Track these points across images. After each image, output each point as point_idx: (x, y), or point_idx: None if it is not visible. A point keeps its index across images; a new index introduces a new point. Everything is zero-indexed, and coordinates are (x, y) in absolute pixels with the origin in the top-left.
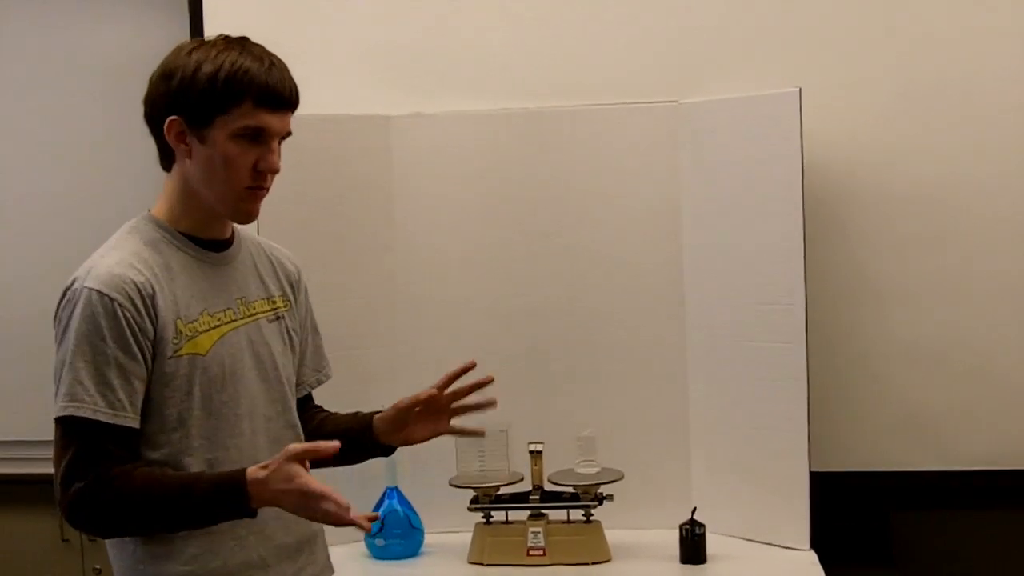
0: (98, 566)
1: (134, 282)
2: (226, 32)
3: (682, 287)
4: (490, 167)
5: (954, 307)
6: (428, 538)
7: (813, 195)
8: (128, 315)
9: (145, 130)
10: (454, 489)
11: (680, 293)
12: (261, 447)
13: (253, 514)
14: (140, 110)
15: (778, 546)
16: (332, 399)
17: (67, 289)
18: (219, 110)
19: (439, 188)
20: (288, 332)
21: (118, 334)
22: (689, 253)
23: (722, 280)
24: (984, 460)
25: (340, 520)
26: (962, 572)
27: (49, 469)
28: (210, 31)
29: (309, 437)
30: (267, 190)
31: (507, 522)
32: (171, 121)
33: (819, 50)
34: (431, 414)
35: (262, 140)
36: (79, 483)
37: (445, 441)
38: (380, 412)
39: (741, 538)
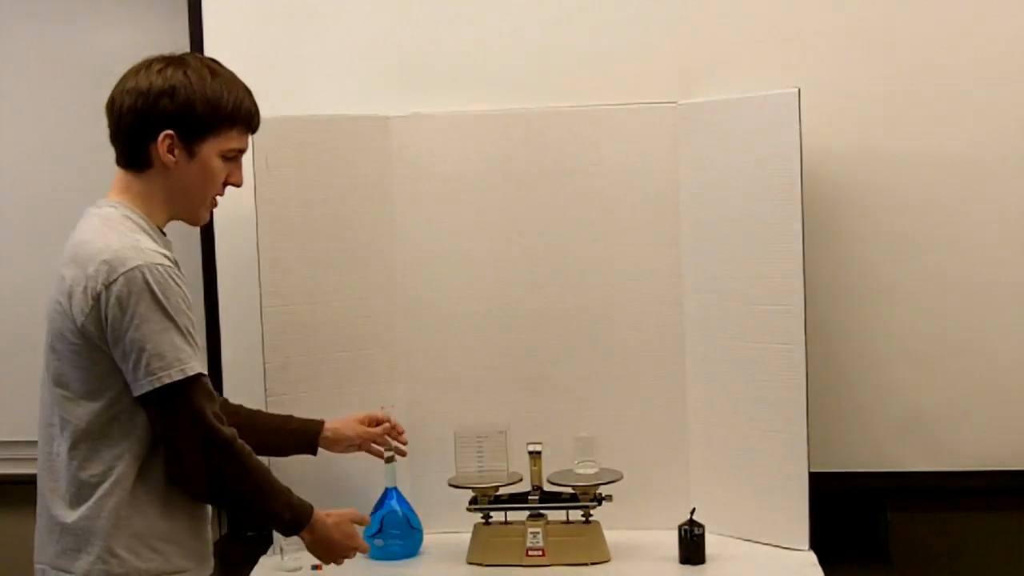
0: None
1: (168, 258)
2: (225, 32)
3: (681, 287)
4: (490, 167)
5: (953, 307)
6: (427, 538)
7: (812, 195)
8: (181, 283)
9: None
10: (453, 489)
11: (679, 293)
12: None
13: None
14: None
15: (777, 546)
16: (332, 399)
17: (115, 276)
18: (213, 133)
19: (439, 188)
20: None
21: (185, 298)
22: (688, 253)
23: (721, 280)
24: (983, 461)
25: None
26: (961, 573)
27: None
28: (210, 32)
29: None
30: None
31: (506, 522)
32: (166, 135)
33: (818, 50)
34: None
35: (235, 159)
36: (227, 429)
37: (444, 442)
38: (328, 427)
39: (740, 538)
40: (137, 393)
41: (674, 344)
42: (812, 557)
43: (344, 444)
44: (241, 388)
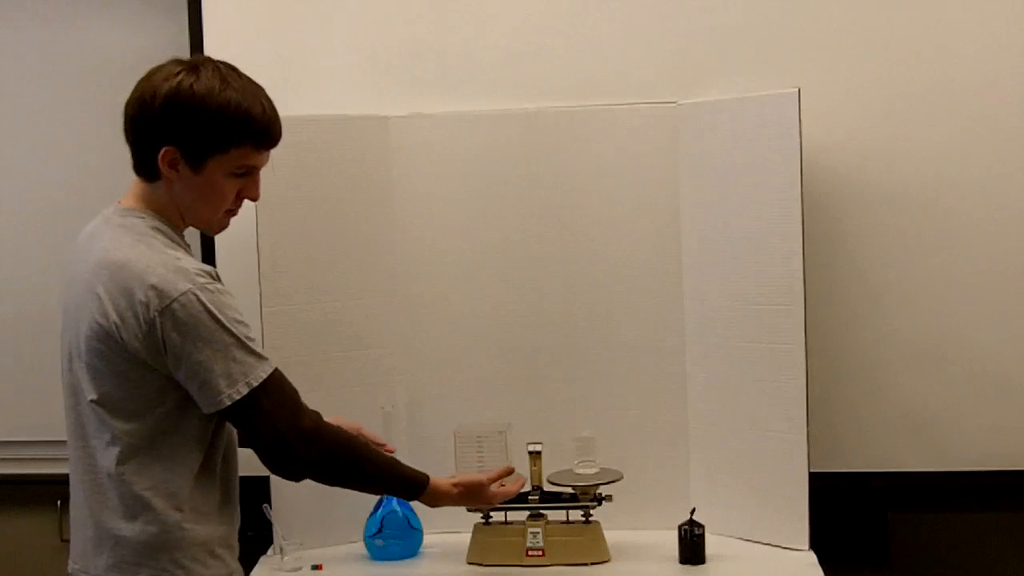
0: None
1: (208, 272)
2: (225, 32)
3: (681, 287)
4: (490, 167)
5: (953, 307)
6: (427, 538)
7: (812, 196)
8: (227, 292)
9: None
10: None
11: (679, 293)
12: None
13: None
14: None
15: (777, 546)
16: (333, 399)
17: (168, 302)
18: (220, 150)
19: (438, 188)
20: None
21: (236, 309)
22: (688, 253)
23: (721, 280)
24: (982, 461)
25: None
26: (960, 573)
27: (48, 469)
28: (210, 32)
29: None
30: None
31: (506, 522)
32: (167, 150)
33: (818, 51)
34: None
35: (249, 174)
36: (306, 423)
37: (444, 442)
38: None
39: (740, 538)
40: (207, 411)
41: (674, 344)
42: (812, 557)
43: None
44: None
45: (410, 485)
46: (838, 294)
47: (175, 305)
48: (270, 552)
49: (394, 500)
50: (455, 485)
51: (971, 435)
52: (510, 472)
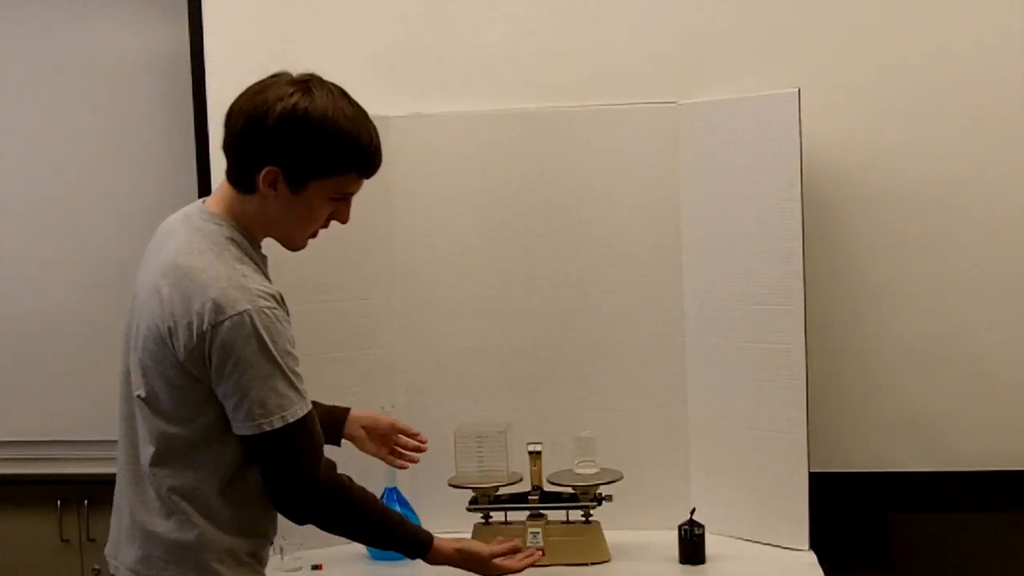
0: (97, 566)
1: (273, 296)
2: (225, 32)
3: (681, 287)
4: (490, 167)
5: (953, 307)
6: None
7: (812, 196)
8: (286, 321)
9: (144, 130)
10: (453, 489)
11: (679, 293)
12: None
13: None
14: (138, 109)
15: (777, 546)
16: (332, 399)
17: (222, 318)
18: (324, 175)
19: (439, 188)
20: None
21: (291, 339)
22: (688, 253)
23: (721, 281)
24: (982, 461)
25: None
26: (960, 573)
27: (48, 469)
28: (210, 32)
29: None
30: None
31: (506, 522)
32: (270, 170)
33: (818, 50)
34: (377, 439)
35: (345, 199)
36: (320, 475)
37: (444, 442)
38: (351, 412)
39: (740, 538)
40: (237, 432)
41: (674, 344)
42: (812, 557)
43: (358, 440)
44: None
45: (413, 545)
46: (838, 294)
47: (228, 323)
48: (270, 552)
49: (394, 500)
50: (457, 551)
51: (971, 435)
52: (516, 549)
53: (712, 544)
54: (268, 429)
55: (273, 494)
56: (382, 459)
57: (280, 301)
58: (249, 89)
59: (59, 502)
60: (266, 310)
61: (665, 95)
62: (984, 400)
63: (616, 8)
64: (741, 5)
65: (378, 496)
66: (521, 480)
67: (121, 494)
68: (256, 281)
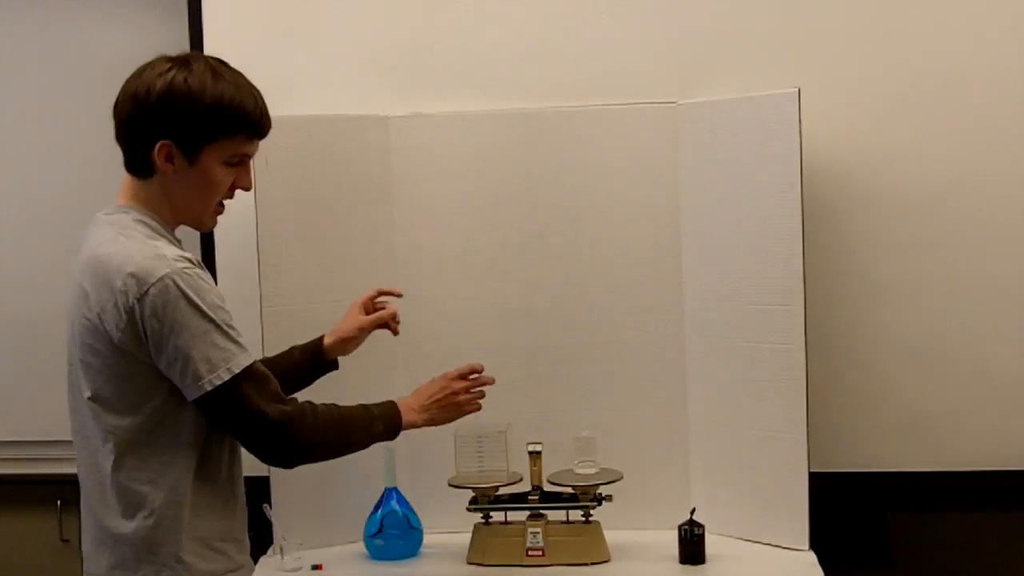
0: None
1: (189, 259)
2: (225, 32)
3: (681, 287)
4: (489, 167)
5: (953, 307)
6: (427, 538)
7: (812, 195)
8: (208, 278)
9: None
10: (453, 489)
11: (679, 293)
12: None
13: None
14: None
15: (777, 546)
16: (333, 399)
17: (145, 288)
18: (214, 140)
19: (438, 188)
20: None
21: (217, 295)
22: (688, 253)
23: (721, 280)
24: (982, 461)
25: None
26: (961, 572)
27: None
28: (210, 32)
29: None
30: None
31: (506, 522)
32: (163, 144)
33: (819, 50)
34: (360, 325)
35: (242, 163)
36: (289, 407)
37: (444, 442)
38: (324, 339)
39: (740, 538)
40: (190, 399)
41: (674, 344)
42: (812, 557)
43: (355, 342)
44: None
45: (391, 428)
46: (838, 294)
47: (152, 291)
48: (270, 552)
49: (394, 500)
50: (416, 399)
51: (971, 435)
52: (479, 370)
53: (712, 544)
54: (219, 383)
55: (254, 448)
56: (371, 322)
57: (199, 265)
58: (129, 77)
59: (59, 502)
60: (185, 270)
61: (665, 95)
62: (984, 400)
63: (616, 8)
64: (741, 5)
65: (377, 496)
66: (521, 480)
67: (86, 507)
68: (170, 250)
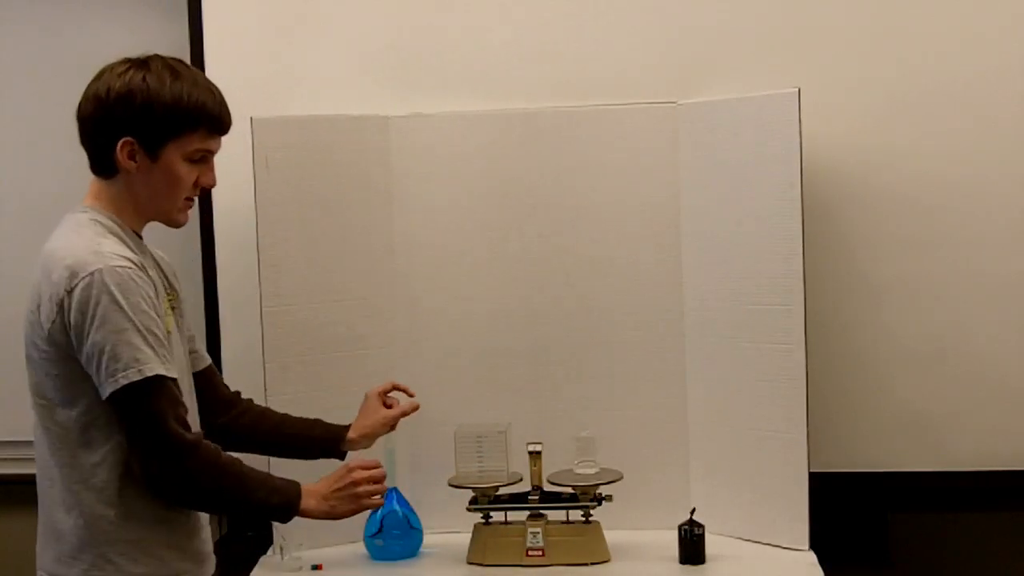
0: None
1: (131, 260)
2: (225, 32)
3: (681, 287)
4: (489, 167)
5: (954, 307)
6: (427, 538)
7: (812, 196)
8: (143, 282)
9: None
10: (453, 489)
11: (679, 293)
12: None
13: (289, 518)
14: None
15: (777, 546)
16: (332, 399)
17: (75, 281)
18: (175, 136)
19: (438, 188)
20: (182, 318)
21: (147, 298)
22: (688, 253)
23: (721, 280)
24: (983, 461)
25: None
26: (961, 573)
27: None
28: (210, 32)
29: (249, 425)
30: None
31: (506, 522)
32: (125, 142)
33: (819, 50)
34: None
35: (205, 160)
36: (193, 438)
37: (444, 441)
38: (349, 432)
39: (740, 538)
40: (103, 396)
41: (674, 344)
42: (812, 557)
43: (372, 439)
44: (241, 388)
45: (286, 494)
46: (838, 294)
47: (81, 284)
48: (270, 552)
49: (394, 500)
50: (322, 481)
51: (971, 435)
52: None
53: (712, 544)
54: (125, 383)
55: (143, 463)
56: (395, 418)
57: (142, 268)
58: (91, 80)
59: None
60: (118, 268)
61: (665, 95)
62: (984, 400)
63: (616, 8)
64: (741, 5)
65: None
66: (521, 480)
67: (39, 498)
68: (113, 248)
